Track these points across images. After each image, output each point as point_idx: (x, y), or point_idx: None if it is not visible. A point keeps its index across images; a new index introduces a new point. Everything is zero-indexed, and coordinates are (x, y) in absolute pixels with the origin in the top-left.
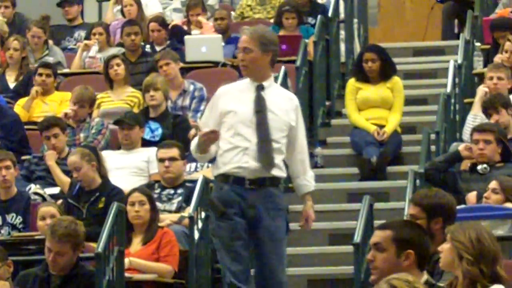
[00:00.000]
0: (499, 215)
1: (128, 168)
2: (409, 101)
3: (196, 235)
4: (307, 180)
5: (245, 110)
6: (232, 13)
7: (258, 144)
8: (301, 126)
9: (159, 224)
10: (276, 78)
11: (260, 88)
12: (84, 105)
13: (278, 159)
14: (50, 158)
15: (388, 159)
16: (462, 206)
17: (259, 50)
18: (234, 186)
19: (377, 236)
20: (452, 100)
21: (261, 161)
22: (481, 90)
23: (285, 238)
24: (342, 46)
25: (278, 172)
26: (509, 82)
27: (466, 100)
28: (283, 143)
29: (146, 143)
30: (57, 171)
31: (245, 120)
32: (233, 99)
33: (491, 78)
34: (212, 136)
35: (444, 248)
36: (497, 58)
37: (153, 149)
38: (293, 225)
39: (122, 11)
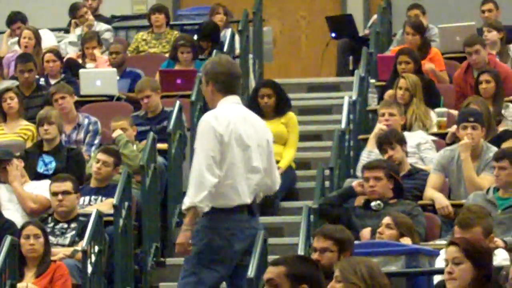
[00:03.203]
0: (393, 251)
1: (17, 202)
2: (303, 136)
3: (89, 269)
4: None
5: None
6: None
7: None
8: (195, 143)
9: (52, 258)
10: (170, 113)
11: None
12: None
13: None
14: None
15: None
16: (357, 242)
17: (204, 82)
18: None
19: (270, 272)
20: (347, 136)
21: None
22: (378, 126)
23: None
24: None
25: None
26: (402, 118)
27: (360, 136)
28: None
29: (40, 177)
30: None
31: None
32: None
33: (383, 115)
34: None
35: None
36: (386, 95)
37: (42, 182)
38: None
39: (19, 43)
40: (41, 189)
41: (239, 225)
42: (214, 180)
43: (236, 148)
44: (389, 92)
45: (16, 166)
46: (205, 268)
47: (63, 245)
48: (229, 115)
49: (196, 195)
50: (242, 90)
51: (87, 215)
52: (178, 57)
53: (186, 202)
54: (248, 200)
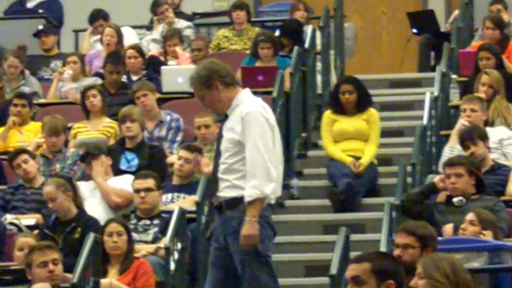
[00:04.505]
0: (475, 247)
1: (100, 198)
2: (385, 133)
3: (172, 266)
4: (247, 189)
5: None
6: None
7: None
8: (249, 135)
9: (135, 255)
10: None
11: (224, 119)
12: (60, 134)
13: (230, 179)
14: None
15: (355, 190)
16: (439, 238)
17: (206, 90)
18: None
19: (354, 269)
20: (428, 132)
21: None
22: (460, 122)
23: (244, 260)
24: (319, 78)
25: (232, 192)
26: (484, 114)
27: (442, 132)
28: (231, 162)
29: (122, 174)
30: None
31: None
32: None
33: (465, 110)
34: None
35: (419, 284)
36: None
37: (124, 177)
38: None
39: (101, 41)
40: (123, 184)
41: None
42: (275, 172)
43: (278, 140)
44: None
45: (102, 163)
46: (270, 258)
47: (145, 242)
48: (267, 106)
49: (265, 186)
50: (324, 86)
51: (170, 212)
52: (258, 54)
53: (253, 193)
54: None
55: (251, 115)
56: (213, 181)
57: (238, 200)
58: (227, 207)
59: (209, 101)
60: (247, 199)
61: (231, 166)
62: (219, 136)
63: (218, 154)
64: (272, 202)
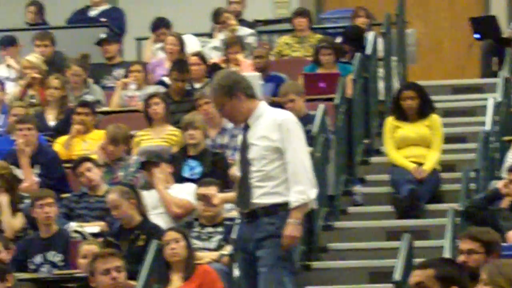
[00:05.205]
0: None
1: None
2: (448, 139)
3: (236, 273)
4: (292, 194)
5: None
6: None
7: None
8: (288, 141)
9: (198, 262)
10: (314, 116)
11: (245, 129)
12: (119, 143)
13: (268, 186)
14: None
15: (418, 196)
16: (503, 244)
17: (228, 99)
18: (240, 221)
19: (418, 275)
20: (491, 138)
21: (236, 199)
22: None
23: (276, 264)
24: (381, 84)
25: (270, 199)
26: None
27: (505, 138)
28: (268, 169)
29: (185, 181)
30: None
31: (238, 163)
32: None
33: None
34: None
35: None
36: None
37: (185, 186)
38: (334, 263)
39: (163, 49)
40: (184, 193)
41: None
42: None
43: None
44: None
45: (163, 171)
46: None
47: (209, 249)
48: None
49: (311, 191)
50: (386, 92)
51: (233, 219)
52: (320, 60)
53: (300, 199)
54: None
55: (289, 122)
56: (242, 189)
57: (277, 206)
58: (265, 213)
59: (228, 111)
60: (293, 204)
61: (269, 173)
62: (245, 146)
63: (246, 163)
64: (314, 207)
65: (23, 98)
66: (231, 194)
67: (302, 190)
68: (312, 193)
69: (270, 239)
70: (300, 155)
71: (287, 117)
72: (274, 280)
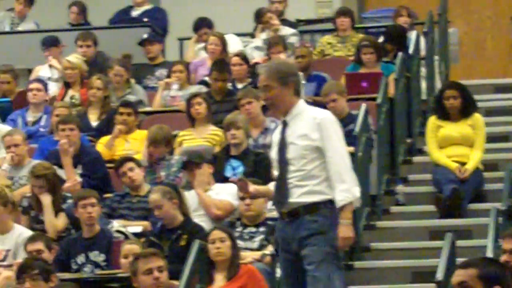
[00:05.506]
0: None
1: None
2: (491, 138)
3: (278, 273)
4: (338, 193)
5: (273, 153)
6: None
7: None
8: (329, 140)
9: (241, 261)
10: (356, 116)
11: (284, 125)
12: (158, 145)
13: (309, 185)
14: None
15: (461, 195)
16: None
17: (279, 84)
18: (279, 221)
19: (461, 275)
20: None
21: (274, 199)
22: None
23: (323, 261)
24: (423, 83)
25: (311, 198)
26: None
27: None
28: (309, 168)
29: (227, 181)
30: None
31: (275, 162)
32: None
33: None
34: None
35: None
36: None
37: (226, 186)
38: (376, 263)
39: (205, 49)
40: (226, 193)
41: None
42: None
43: None
44: None
45: (204, 172)
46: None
47: (251, 249)
48: None
49: (355, 189)
50: (428, 92)
51: (275, 219)
52: (362, 60)
53: (346, 197)
54: None
55: (329, 121)
56: (281, 189)
57: (319, 205)
58: (306, 212)
59: (274, 97)
60: (340, 203)
61: (310, 172)
62: (283, 144)
63: (284, 162)
64: (358, 205)
65: (63, 98)
66: (266, 187)
67: (347, 189)
68: (357, 191)
69: (314, 237)
70: (341, 154)
71: (326, 116)
72: (323, 277)
